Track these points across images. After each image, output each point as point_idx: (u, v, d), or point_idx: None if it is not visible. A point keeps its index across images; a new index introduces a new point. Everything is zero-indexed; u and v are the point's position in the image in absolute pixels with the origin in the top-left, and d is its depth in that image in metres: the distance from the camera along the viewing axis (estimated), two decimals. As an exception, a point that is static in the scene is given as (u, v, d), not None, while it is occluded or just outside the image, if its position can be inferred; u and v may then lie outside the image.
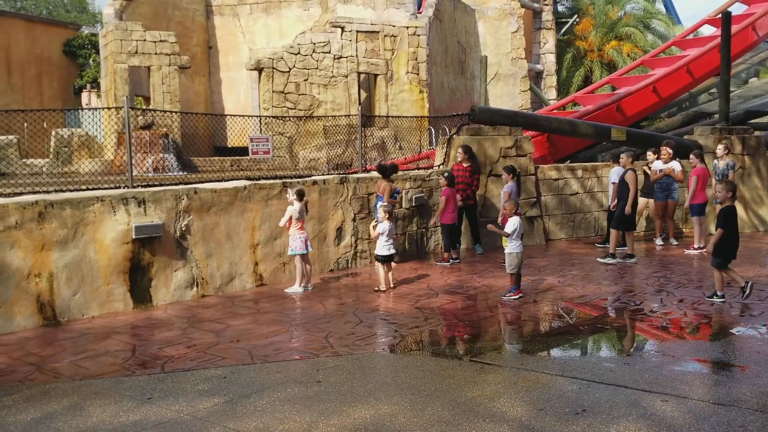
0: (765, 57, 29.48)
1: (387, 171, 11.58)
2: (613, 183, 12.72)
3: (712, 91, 24.31)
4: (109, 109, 10.63)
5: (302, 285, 9.94)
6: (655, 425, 5.03)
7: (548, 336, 7.88)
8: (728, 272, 9.04)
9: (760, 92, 24.24)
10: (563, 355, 7.24)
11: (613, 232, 12.01)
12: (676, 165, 13.36)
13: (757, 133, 16.99)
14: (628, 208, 11.67)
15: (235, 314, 8.71)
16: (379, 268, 10.05)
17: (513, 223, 9.25)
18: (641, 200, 13.40)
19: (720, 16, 18.48)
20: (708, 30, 26.15)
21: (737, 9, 24.28)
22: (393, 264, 10.16)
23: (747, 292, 8.89)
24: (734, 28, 19.22)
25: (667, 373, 6.22)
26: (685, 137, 16.90)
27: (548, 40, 33.00)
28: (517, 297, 9.24)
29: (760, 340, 7.33)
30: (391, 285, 10.02)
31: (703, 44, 22.59)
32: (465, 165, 12.51)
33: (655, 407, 5.37)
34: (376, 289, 9.94)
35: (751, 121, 20.30)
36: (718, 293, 9.05)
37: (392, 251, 10.09)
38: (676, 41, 25.97)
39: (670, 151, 13.45)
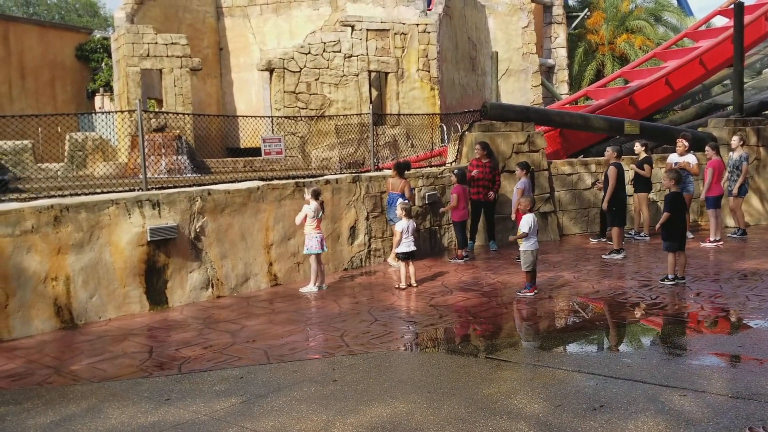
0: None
1: (403, 169, 11.60)
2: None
3: (725, 82, 24.11)
4: (122, 112, 10.66)
5: (316, 284, 9.95)
6: (673, 420, 5.00)
7: (564, 332, 7.84)
8: (681, 255, 9.65)
9: (774, 83, 24.01)
10: (580, 350, 7.21)
11: (614, 230, 11.91)
12: (691, 158, 13.25)
13: (772, 123, 16.83)
14: (604, 205, 11.85)
15: (251, 314, 8.74)
16: (401, 265, 10.06)
17: (527, 222, 9.21)
18: (640, 195, 13.33)
19: (732, 6, 18.33)
20: (720, 21, 25.96)
21: (750, -1, 24.06)
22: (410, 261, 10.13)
23: (678, 280, 9.62)
24: (747, 19, 19.07)
25: (684, 368, 6.19)
26: (699, 129, 16.77)
27: (559, 35, 32.83)
28: (532, 294, 9.20)
29: (778, 333, 7.27)
30: (413, 283, 10.01)
31: (715, 35, 22.42)
32: (484, 161, 12.51)
33: (674, 402, 5.34)
34: (397, 286, 9.94)
35: (766, 112, 20.09)
36: (669, 276, 9.64)
37: (413, 248, 10.08)
38: (688, 33, 25.78)
39: (686, 143, 13.34)
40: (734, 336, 7.39)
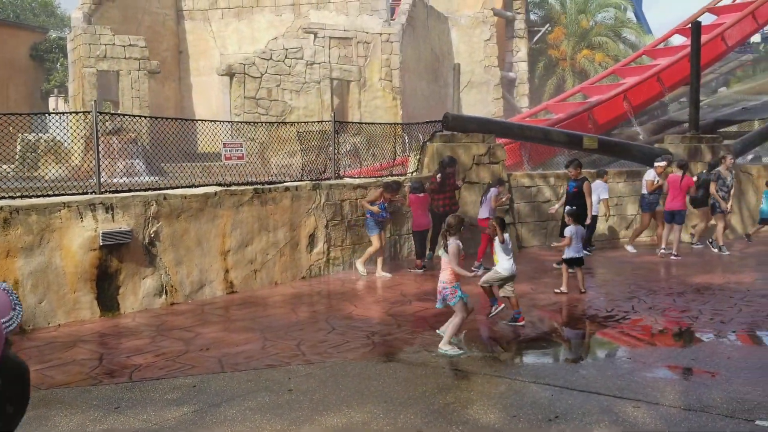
0: (734, 67, 29.99)
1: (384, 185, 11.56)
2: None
3: (682, 100, 24.65)
4: (76, 113, 10.37)
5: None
6: (627, 431, 5.03)
7: (521, 343, 7.84)
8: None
9: (729, 102, 24.62)
10: (536, 361, 7.22)
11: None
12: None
13: (726, 141, 17.22)
14: (588, 220, 12.15)
15: (206, 322, 8.58)
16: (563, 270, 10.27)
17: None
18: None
19: (690, 26, 18.75)
20: (678, 40, 26.55)
21: (707, 19, 24.68)
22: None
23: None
24: (704, 38, 19.53)
25: (638, 380, 6.23)
26: (656, 145, 17.08)
27: (521, 49, 33.25)
28: (522, 323, 8.23)
29: (729, 347, 7.39)
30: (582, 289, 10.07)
31: (673, 54, 22.91)
32: (448, 171, 12.51)
33: (627, 413, 5.37)
34: (557, 291, 10.04)
35: (721, 130, 20.58)
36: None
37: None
38: (646, 50, 26.34)
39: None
40: (687, 349, 7.48)
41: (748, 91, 25.82)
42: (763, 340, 7.81)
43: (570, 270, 10.16)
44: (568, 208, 10.89)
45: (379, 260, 11.53)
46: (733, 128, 22.35)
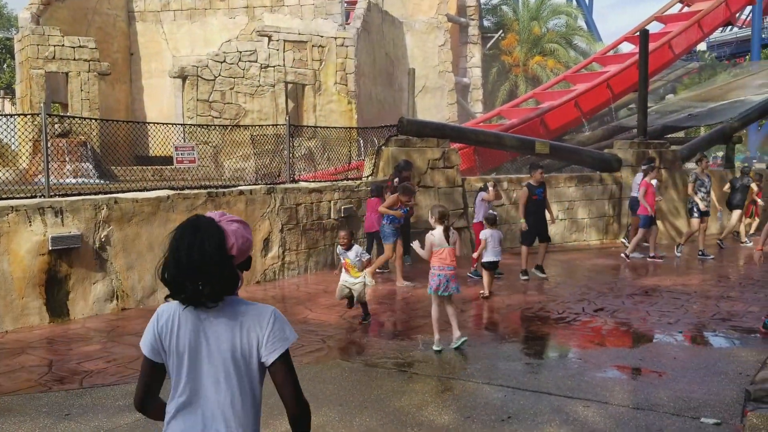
0: (681, 74, 30.73)
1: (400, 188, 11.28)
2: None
3: (631, 106, 25.18)
4: (24, 115, 10.15)
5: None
6: (577, 430, 5.13)
7: (474, 345, 7.93)
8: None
9: (676, 108, 25.24)
10: (489, 363, 7.30)
11: (524, 248, 11.99)
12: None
13: (673, 147, 17.66)
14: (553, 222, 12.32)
15: (158, 327, 8.45)
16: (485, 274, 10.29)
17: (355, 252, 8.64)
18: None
19: (638, 33, 19.19)
20: (627, 47, 27.15)
21: (655, 27, 25.29)
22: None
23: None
24: (652, 46, 20.01)
25: (588, 380, 6.36)
26: (605, 150, 17.43)
27: (474, 54, 33.57)
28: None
29: (676, 347, 7.58)
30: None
31: (622, 61, 23.40)
32: (404, 175, 12.55)
33: (578, 413, 5.48)
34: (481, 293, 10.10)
35: (668, 136, 21.09)
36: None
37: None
38: (596, 57, 26.84)
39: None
40: (635, 350, 7.65)
41: (695, 98, 26.50)
42: (708, 340, 8.03)
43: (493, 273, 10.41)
44: (489, 212, 10.93)
45: (375, 264, 11.29)
46: (680, 134, 22.92)
